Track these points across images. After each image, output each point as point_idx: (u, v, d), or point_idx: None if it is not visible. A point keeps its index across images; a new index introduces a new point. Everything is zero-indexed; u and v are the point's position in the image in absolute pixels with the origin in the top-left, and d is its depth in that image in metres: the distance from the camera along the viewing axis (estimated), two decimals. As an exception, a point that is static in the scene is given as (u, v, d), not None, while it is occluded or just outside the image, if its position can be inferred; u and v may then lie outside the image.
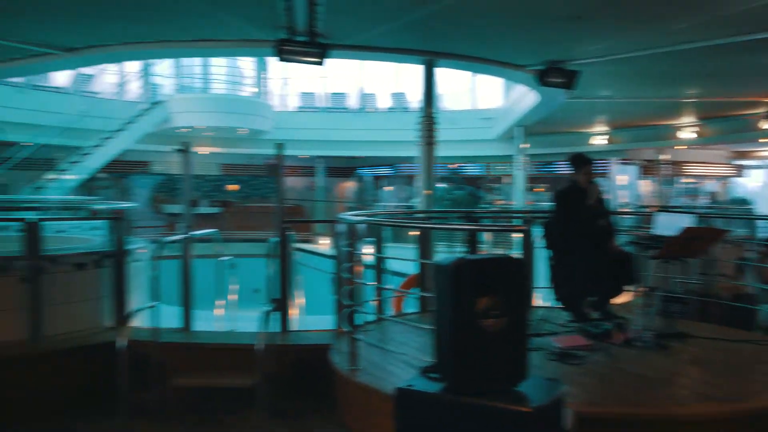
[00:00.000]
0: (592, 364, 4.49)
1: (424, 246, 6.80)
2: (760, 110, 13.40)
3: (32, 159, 14.60)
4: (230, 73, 19.25)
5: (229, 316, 6.98)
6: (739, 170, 19.65)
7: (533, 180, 18.10)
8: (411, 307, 7.13)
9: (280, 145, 6.05)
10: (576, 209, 5.58)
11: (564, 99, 11.45)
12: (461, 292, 3.02)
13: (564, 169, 18.68)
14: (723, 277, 6.31)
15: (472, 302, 2.98)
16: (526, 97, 13.18)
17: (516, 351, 3.09)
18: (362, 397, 4.17)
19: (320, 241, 16.74)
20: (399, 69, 21.24)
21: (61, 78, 17.71)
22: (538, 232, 5.70)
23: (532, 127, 15.88)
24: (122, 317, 5.85)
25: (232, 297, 7.26)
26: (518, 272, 3.18)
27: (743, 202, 16.25)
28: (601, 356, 4.66)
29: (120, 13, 6.74)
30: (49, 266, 5.37)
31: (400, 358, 4.58)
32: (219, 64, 18.91)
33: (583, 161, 5.72)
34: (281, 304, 5.71)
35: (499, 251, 11.11)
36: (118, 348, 4.87)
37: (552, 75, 8.38)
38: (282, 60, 6.89)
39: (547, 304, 6.26)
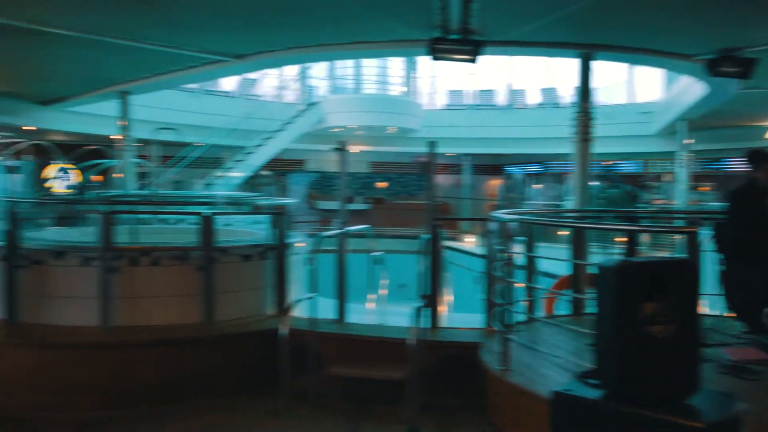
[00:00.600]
0: (769, 380, 4.08)
1: (578, 246, 6.55)
2: None
3: (203, 158, 15.95)
4: (380, 73, 19.76)
5: (379, 309, 7.17)
6: None
7: (698, 178, 16.72)
8: (562, 309, 6.91)
9: (432, 143, 6.11)
10: (754, 210, 5.09)
11: (736, 90, 10.47)
12: (627, 295, 2.87)
13: (735, 166, 17.08)
14: None
15: (639, 306, 2.82)
16: (690, 88, 12.22)
17: (687, 361, 2.88)
18: (513, 398, 4.11)
19: (466, 239, 16.71)
20: (550, 63, 20.63)
21: (229, 83, 19.23)
22: (705, 234, 5.27)
23: (696, 121, 14.65)
24: (283, 306, 6.22)
25: (382, 291, 7.46)
26: (690, 276, 2.97)
27: None
28: (781, 373, 4.22)
29: (284, 21, 7.16)
30: (220, 257, 5.84)
31: (553, 361, 4.46)
32: (370, 65, 19.48)
33: (763, 158, 5.20)
34: (431, 301, 5.77)
35: (658, 254, 10.42)
36: (280, 335, 5.18)
37: (724, 64, 7.64)
38: (435, 59, 6.93)
39: (716, 312, 5.79)
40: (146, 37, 7.78)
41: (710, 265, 5.47)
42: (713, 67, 7.71)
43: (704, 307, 5.81)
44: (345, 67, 19.56)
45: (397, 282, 8.12)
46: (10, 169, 12.11)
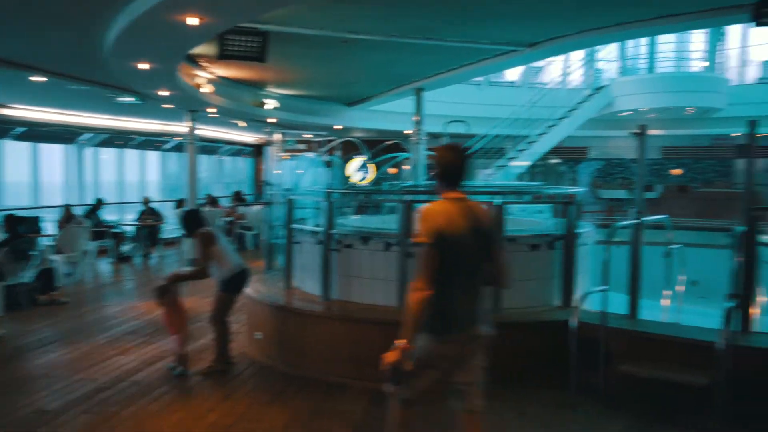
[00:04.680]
0: None
1: None
2: None
3: (488, 148, 16.35)
4: (678, 49, 18.01)
5: (673, 307, 6.62)
6: None
7: None
8: None
9: (752, 122, 5.41)
10: None
11: None
12: None
13: None
14: None
15: None
16: None
17: None
18: None
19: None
20: None
21: (512, 74, 19.39)
22: None
23: None
24: (570, 298, 6.10)
25: (679, 288, 6.87)
26: None
27: None
28: None
29: (579, 3, 6.97)
30: (509, 246, 5.94)
31: None
32: (666, 41, 17.87)
33: None
34: (743, 302, 5.14)
35: None
36: (570, 327, 5.11)
37: None
38: (759, 25, 6.16)
39: None
40: (442, 34, 8.24)
41: None
42: None
43: None
44: (637, 45, 18.25)
45: (694, 279, 7.40)
46: (327, 164, 13.88)
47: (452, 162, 3.24)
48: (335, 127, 16.58)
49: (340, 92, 13.97)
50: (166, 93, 10.11)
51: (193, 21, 5.65)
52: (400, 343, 3.07)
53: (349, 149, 14.55)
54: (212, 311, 5.97)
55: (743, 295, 5.17)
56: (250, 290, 6.67)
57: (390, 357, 3.08)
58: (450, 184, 3.24)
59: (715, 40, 17.79)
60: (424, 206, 3.20)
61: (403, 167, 13.59)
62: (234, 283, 5.94)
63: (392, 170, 15.17)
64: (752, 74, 19.16)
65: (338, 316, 5.96)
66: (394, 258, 5.98)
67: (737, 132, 17.07)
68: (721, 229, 5.57)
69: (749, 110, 15.69)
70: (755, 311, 5.51)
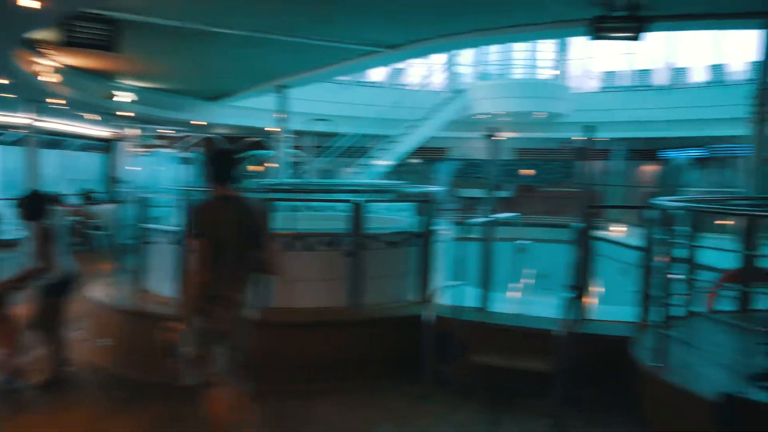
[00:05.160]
0: None
1: (751, 238, 5.97)
2: None
3: (352, 147, 16.50)
4: (529, 57, 19.23)
5: (522, 299, 7.04)
6: None
7: None
8: (726, 305, 6.34)
9: (587, 128, 5.86)
10: None
11: None
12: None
13: None
14: None
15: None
16: None
17: None
18: (670, 398, 3.86)
19: (613, 229, 15.82)
20: (719, 37, 18.85)
21: (378, 74, 19.70)
22: None
23: None
24: (427, 293, 6.29)
25: (527, 281, 7.31)
26: None
27: None
28: None
29: (437, 9, 7.21)
30: (368, 243, 6.02)
31: (716, 360, 4.13)
32: (518, 50, 19.03)
33: None
34: (580, 292, 5.56)
35: None
36: (424, 322, 5.26)
37: None
38: (596, 38, 6.67)
39: None
40: (306, 32, 8.20)
41: None
42: None
43: None
44: (492, 52, 19.26)
45: (543, 272, 7.91)
46: (185, 161, 13.34)
47: (219, 162, 3.59)
48: (196, 122, 15.96)
49: (201, 87, 13.48)
50: (4, 81, 9.21)
51: (28, 3, 5.17)
52: (177, 325, 3.44)
53: (211, 146, 14.08)
54: (35, 319, 5.43)
55: (581, 286, 5.60)
56: (98, 294, 6.23)
57: (167, 338, 3.43)
58: (219, 181, 3.57)
59: (561, 51, 19.20)
60: (196, 204, 3.58)
61: (267, 165, 13.39)
62: (60, 288, 5.47)
63: (256, 167, 14.89)
64: (594, 83, 20.85)
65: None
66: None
67: (579, 136, 18.53)
68: (563, 225, 5.99)
69: (591, 116, 17.14)
70: (592, 300, 5.99)
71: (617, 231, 15.26)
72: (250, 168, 14.06)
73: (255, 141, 13.09)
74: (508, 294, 7.02)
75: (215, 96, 14.36)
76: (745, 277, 5.95)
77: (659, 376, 3.97)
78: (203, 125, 16.26)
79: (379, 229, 6.42)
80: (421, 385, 5.27)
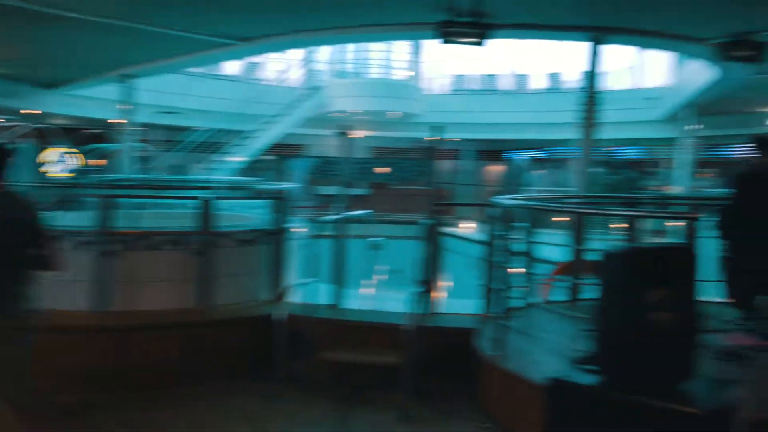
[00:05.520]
0: (766, 367, 4.05)
1: (578, 233, 6.50)
2: None
3: (205, 143, 15.91)
4: (385, 57, 19.64)
5: (377, 295, 7.16)
6: None
7: (701, 164, 16.60)
8: (559, 295, 6.88)
9: (435, 128, 6.06)
10: (757, 196, 5.02)
11: (746, 75, 10.33)
12: (631, 282, 2.84)
13: (737, 152, 16.94)
14: None
15: (642, 293, 2.79)
16: (699, 73, 12.09)
17: (683, 348, 2.87)
18: (507, 384, 4.09)
19: (463, 225, 16.62)
20: (557, 48, 20.43)
21: (232, 67, 19.12)
22: (706, 221, 5.20)
23: (704, 107, 14.53)
24: (280, 292, 6.20)
25: (381, 277, 7.44)
26: (691, 263, 2.95)
27: None
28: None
29: (291, 4, 7.11)
30: (218, 241, 5.82)
31: (549, 347, 4.44)
32: (375, 49, 19.37)
33: None
34: (428, 287, 5.75)
35: (656, 240, 10.34)
36: (274, 320, 5.17)
37: (738, 48, 7.54)
38: (443, 42, 6.91)
39: (715, 299, 5.74)
40: (152, 20, 7.74)
41: (710, 252, 5.41)
42: (725, 51, 7.63)
43: (703, 294, 5.76)
44: (350, 51, 19.45)
45: (395, 268, 8.09)
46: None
47: None
48: (25, 111, 14.56)
49: (35, 73, 12.31)
50: None
51: None
52: None
53: (48, 137, 12.94)
54: None
55: (430, 281, 5.79)
56: None
57: None
58: None
59: (416, 53, 19.82)
60: None
61: (110, 159, 12.54)
62: None
63: (99, 162, 13.91)
64: (446, 86, 21.74)
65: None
66: (90, 258, 5.44)
67: (432, 136, 19.27)
68: (413, 222, 6.18)
69: (443, 117, 17.87)
70: (440, 294, 6.23)
71: (466, 227, 16.01)
72: (92, 162, 13.08)
73: (96, 133, 12.19)
74: (361, 291, 7.10)
75: (52, 83, 13.19)
76: (575, 269, 6.47)
77: (497, 364, 4.20)
78: (37, 114, 14.87)
79: (231, 227, 6.22)
80: (273, 385, 5.18)
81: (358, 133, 19.39)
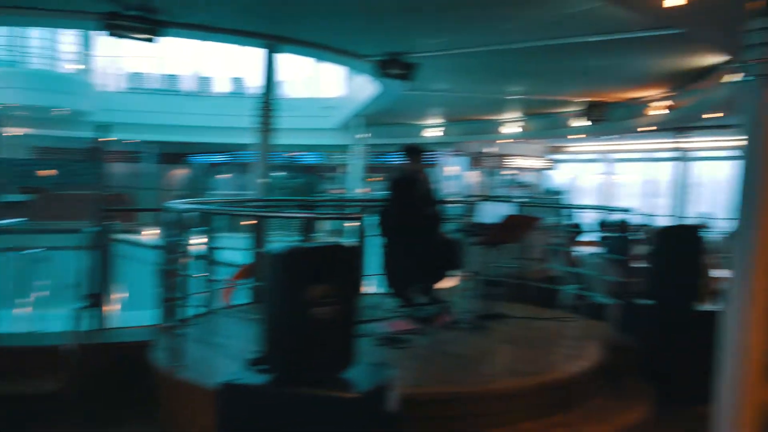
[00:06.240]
0: (417, 347, 4.65)
1: (259, 235, 6.62)
2: (572, 109, 14.69)
3: None
4: (48, 47, 17.48)
5: (36, 315, 6.30)
6: (552, 164, 21.50)
7: (371, 170, 18.44)
8: (244, 298, 6.92)
9: (102, 128, 5.58)
10: (406, 197, 5.71)
11: (402, 91, 11.74)
12: (293, 280, 2.96)
13: (399, 159, 19.24)
14: (534, 261, 6.80)
15: (304, 291, 2.92)
16: (365, 87, 13.35)
17: (344, 338, 3.09)
18: (183, 395, 3.95)
19: (145, 232, 15.76)
20: (240, 52, 20.62)
21: None
22: (371, 221, 5.74)
23: (371, 118, 16.13)
24: None
25: (41, 294, 6.58)
26: (350, 260, 3.18)
27: (555, 192, 17.75)
28: (425, 339, 4.84)
29: None
30: None
31: (228, 352, 4.43)
32: (36, 37, 17.10)
33: (415, 151, 5.89)
34: (97, 300, 5.26)
35: (335, 240, 11.14)
36: None
37: (391, 66, 8.57)
38: (111, 35, 6.45)
39: (379, 290, 6.36)
40: None
41: (376, 249, 5.97)
42: (382, 68, 8.61)
43: (368, 287, 6.36)
44: (3, 36, 16.86)
45: (61, 282, 7.25)
46: None
47: None
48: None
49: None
50: None
51: None
52: None
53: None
54: None
55: (99, 294, 5.30)
56: None
57: None
58: None
59: (86, 45, 18.07)
60: None
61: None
62: None
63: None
64: (122, 83, 20.25)
65: None
66: None
67: (99, 136, 17.77)
68: (78, 230, 5.56)
69: (118, 116, 16.59)
70: (113, 307, 5.74)
71: (150, 234, 15.17)
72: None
73: None
74: (15, 311, 6.19)
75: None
76: (256, 271, 6.58)
77: (173, 376, 4.03)
78: None
79: None
80: None
81: (15, 130, 16.90)
